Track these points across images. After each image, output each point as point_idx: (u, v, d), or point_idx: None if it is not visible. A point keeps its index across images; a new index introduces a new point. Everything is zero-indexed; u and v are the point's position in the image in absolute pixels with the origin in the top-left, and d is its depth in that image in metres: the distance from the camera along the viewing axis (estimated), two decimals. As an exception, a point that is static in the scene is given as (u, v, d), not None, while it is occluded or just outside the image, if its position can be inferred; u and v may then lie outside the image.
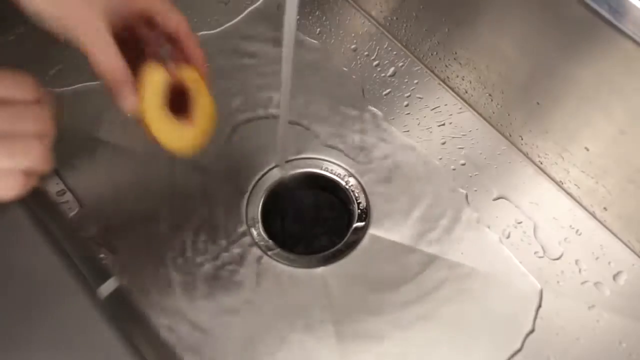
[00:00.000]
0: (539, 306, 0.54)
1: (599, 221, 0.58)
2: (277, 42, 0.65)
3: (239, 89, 0.63)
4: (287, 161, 0.59)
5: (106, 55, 0.39)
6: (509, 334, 0.53)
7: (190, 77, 0.42)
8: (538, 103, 0.56)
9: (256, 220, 0.57)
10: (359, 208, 0.58)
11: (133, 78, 0.40)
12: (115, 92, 0.39)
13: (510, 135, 0.61)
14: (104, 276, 0.42)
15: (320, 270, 0.55)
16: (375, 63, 0.66)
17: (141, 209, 0.57)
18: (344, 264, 0.55)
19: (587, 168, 0.56)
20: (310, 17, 0.68)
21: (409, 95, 0.64)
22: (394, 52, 0.66)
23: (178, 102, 0.41)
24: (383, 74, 0.65)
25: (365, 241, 0.56)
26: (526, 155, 0.61)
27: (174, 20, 0.42)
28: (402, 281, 0.55)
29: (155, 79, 0.40)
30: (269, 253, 0.55)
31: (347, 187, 0.59)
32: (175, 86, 0.41)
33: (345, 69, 0.65)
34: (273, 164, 0.59)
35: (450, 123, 0.62)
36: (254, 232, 0.56)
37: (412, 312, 0.53)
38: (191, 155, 0.44)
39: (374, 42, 0.67)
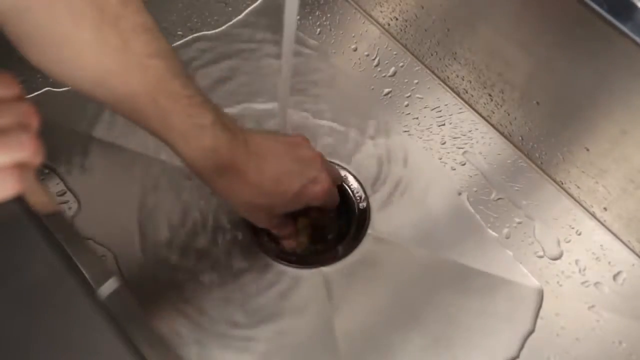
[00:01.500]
0: (539, 306, 0.54)
1: (599, 221, 0.58)
2: (277, 42, 0.65)
3: (239, 89, 0.63)
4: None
5: (283, 230, 0.54)
6: (509, 334, 0.53)
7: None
8: (538, 103, 0.56)
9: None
10: (359, 209, 0.58)
11: (295, 230, 0.55)
12: (284, 239, 0.55)
13: (510, 135, 0.61)
14: (104, 276, 0.42)
15: (321, 271, 0.55)
16: (375, 63, 0.66)
17: (141, 209, 0.57)
18: (345, 264, 0.55)
19: (587, 168, 0.56)
20: (310, 17, 0.68)
21: (409, 95, 0.64)
22: (394, 52, 0.66)
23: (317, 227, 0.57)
24: (383, 74, 0.65)
25: (365, 242, 0.56)
26: (526, 155, 0.61)
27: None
28: (402, 282, 0.55)
29: (304, 228, 0.56)
30: (270, 253, 0.55)
31: (347, 187, 0.59)
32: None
33: (345, 69, 0.65)
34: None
35: (450, 123, 0.62)
36: (254, 232, 0.56)
37: (412, 313, 0.53)
38: None
39: (374, 42, 0.67)
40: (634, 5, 0.45)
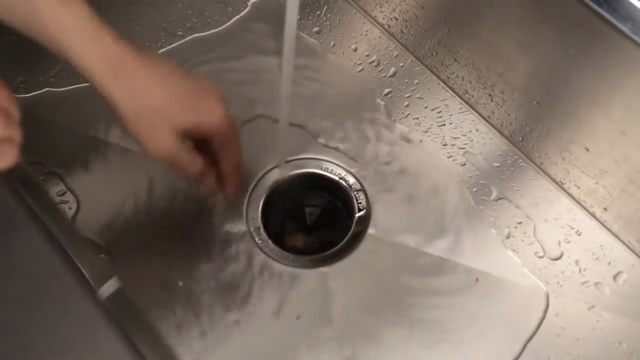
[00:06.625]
0: (542, 307, 0.54)
1: (599, 221, 0.58)
2: (278, 41, 0.65)
3: (239, 88, 0.63)
4: (287, 161, 0.59)
5: (185, 164, 0.47)
6: (510, 334, 0.53)
7: None
8: (538, 103, 0.56)
9: (256, 220, 0.57)
10: (359, 208, 0.58)
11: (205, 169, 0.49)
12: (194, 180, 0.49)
13: (511, 136, 0.61)
14: (104, 277, 0.42)
15: (320, 270, 0.55)
16: (375, 63, 0.66)
17: (141, 209, 0.57)
18: (344, 264, 0.55)
19: (587, 168, 0.56)
20: (310, 17, 0.68)
21: (409, 96, 0.64)
22: (395, 52, 0.66)
23: None
24: (383, 74, 0.65)
25: (365, 242, 0.56)
26: (526, 155, 0.61)
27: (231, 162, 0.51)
28: (402, 282, 0.55)
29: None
30: (269, 253, 0.55)
31: (347, 187, 0.59)
32: None
33: (345, 69, 0.65)
34: (273, 164, 0.59)
35: (451, 123, 0.62)
36: (254, 232, 0.56)
37: (412, 313, 0.53)
38: None
39: (375, 42, 0.67)
40: (634, 6, 0.45)
